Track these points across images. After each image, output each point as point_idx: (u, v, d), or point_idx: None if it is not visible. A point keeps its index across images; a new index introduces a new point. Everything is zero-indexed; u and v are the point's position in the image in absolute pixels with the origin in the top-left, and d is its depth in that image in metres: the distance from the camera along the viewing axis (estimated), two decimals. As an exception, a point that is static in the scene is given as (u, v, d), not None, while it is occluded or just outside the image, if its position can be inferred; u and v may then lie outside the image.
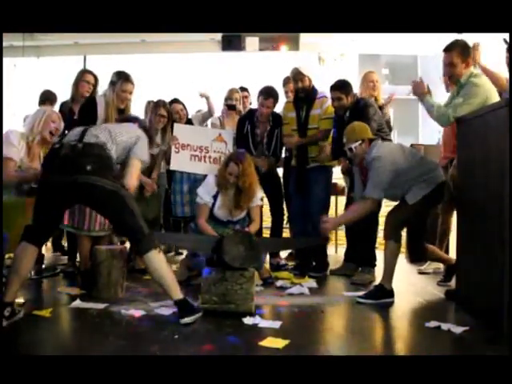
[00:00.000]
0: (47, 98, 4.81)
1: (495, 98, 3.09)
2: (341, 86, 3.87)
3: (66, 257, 4.49)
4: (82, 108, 3.88)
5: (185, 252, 4.37)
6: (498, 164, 2.54)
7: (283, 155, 4.45)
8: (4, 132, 3.31)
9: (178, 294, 2.69)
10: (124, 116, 3.65)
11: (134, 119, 3.33)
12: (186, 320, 2.64)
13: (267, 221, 4.61)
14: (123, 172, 2.87)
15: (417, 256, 3.69)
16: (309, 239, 3.92)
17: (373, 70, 4.64)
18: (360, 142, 3.33)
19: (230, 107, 4.64)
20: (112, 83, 3.76)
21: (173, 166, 4.24)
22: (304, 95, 4.08)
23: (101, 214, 3.08)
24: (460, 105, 3.06)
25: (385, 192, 3.22)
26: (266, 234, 4.69)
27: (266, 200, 4.26)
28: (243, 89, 5.01)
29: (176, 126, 4.26)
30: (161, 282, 2.68)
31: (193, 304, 2.78)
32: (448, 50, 3.17)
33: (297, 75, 4.06)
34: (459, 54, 3.13)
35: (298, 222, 4.26)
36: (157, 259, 2.67)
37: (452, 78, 3.23)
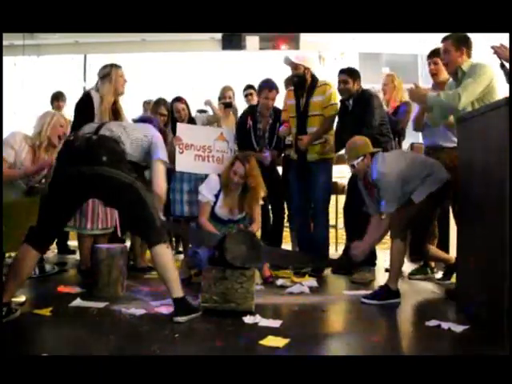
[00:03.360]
0: (55, 97, 4.96)
1: (497, 86, 3.14)
2: (349, 71, 3.97)
3: (72, 256, 4.54)
4: (78, 104, 3.79)
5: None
6: (499, 163, 2.54)
7: (283, 154, 4.45)
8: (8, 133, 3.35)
9: (178, 292, 2.69)
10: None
11: (149, 120, 3.30)
12: (179, 319, 2.65)
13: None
14: (150, 179, 2.86)
15: (417, 255, 3.69)
16: (314, 259, 3.93)
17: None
18: (361, 157, 3.35)
19: (226, 105, 4.65)
20: (105, 76, 3.67)
21: (178, 168, 4.15)
22: (298, 81, 4.06)
23: (114, 206, 3.05)
24: (470, 83, 3.07)
25: (398, 201, 3.22)
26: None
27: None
28: (250, 86, 5.03)
29: (179, 125, 4.24)
30: (164, 277, 2.68)
31: (191, 304, 2.79)
32: (444, 39, 3.31)
33: (290, 64, 4.07)
34: (453, 42, 3.24)
35: (298, 216, 4.27)
36: (164, 254, 2.67)
37: (448, 66, 3.32)
